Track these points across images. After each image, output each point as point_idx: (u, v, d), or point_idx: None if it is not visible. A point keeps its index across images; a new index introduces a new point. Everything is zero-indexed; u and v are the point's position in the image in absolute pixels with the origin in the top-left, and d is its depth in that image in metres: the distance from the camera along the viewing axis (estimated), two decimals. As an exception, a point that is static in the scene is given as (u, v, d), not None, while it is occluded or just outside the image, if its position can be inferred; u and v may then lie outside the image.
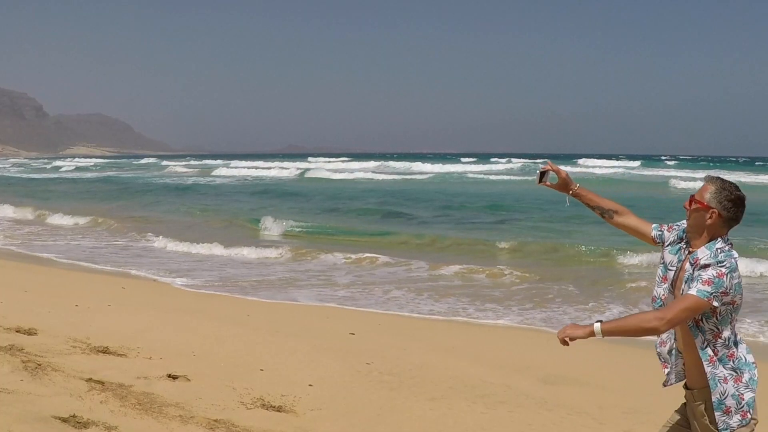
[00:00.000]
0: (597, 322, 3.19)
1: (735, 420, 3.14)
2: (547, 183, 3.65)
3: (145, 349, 7.21)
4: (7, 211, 26.63)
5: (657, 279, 3.33)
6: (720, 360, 3.13)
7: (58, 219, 24.30)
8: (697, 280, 3.05)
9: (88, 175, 65.25)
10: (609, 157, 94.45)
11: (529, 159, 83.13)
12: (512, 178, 50.92)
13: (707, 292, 3.01)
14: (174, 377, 6.33)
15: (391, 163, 73.08)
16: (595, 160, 74.17)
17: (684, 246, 3.27)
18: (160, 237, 19.10)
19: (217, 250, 17.21)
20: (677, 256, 3.28)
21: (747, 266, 14.21)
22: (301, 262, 15.88)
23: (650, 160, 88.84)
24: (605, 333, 3.15)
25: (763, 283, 13.49)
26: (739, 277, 3.10)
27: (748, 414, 3.15)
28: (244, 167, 68.45)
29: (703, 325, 3.12)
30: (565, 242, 17.94)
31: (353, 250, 16.98)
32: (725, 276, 3.03)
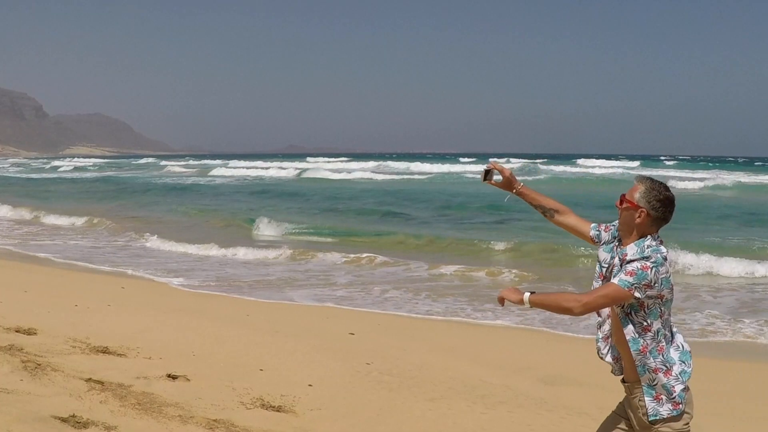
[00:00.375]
0: (529, 292, 3.26)
1: (665, 408, 3.21)
2: (492, 181, 3.76)
3: (145, 349, 7.21)
4: (5, 211, 26.63)
5: (594, 276, 3.42)
6: (650, 352, 3.20)
7: (55, 219, 24.30)
8: (622, 271, 3.15)
9: (87, 175, 65.31)
10: (608, 157, 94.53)
11: (529, 159, 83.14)
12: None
13: (628, 282, 3.09)
14: (174, 377, 6.33)
15: (390, 163, 73.10)
16: (594, 160, 74.24)
17: (617, 244, 3.36)
18: (155, 236, 19.10)
19: (215, 250, 17.20)
20: (611, 254, 3.37)
21: (746, 267, 14.21)
22: (300, 263, 15.88)
23: (649, 160, 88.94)
24: (532, 304, 3.24)
25: (763, 284, 13.47)
26: (668, 272, 3.16)
27: (680, 405, 3.20)
28: (242, 167, 68.55)
29: (633, 317, 3.20)
30: (564, 242, 17.92)
31: (352, 250, 16.98)
32: (650, 269, 3.10)
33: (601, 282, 3.34)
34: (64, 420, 4.89)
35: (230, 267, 15.23)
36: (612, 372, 3.45)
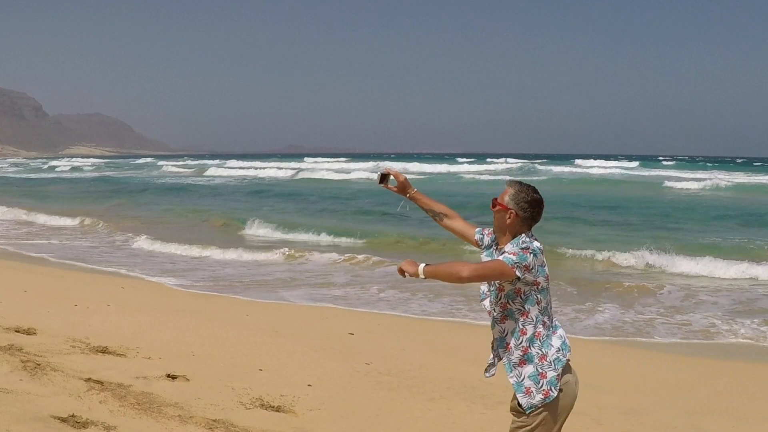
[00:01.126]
0: (424, 264, 3.42)
1: (537, 399, 3.39)
2: (388, 185, 3.95)
3: (145, 349, 7.21)
4: (1, 212, 26.56)
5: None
6: (528, 338, 3.42)
7: (49, 219, 24.26)
8: (505, 251, 3.40)
9: (83, 175, 65.23)
10: (607, 157, 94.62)
11: (527, 160, 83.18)
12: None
13: (512, 260, 3.32)
14: (173, 377, 6.33)
15: (388, 164, 73.04)
16: (593, 161, 74.31)
17: (495, 248, 3.59)
18: (143, 237, 19.03)
19: (212, 250, 17.16)
20: (491, 257, 3.58)
21: (745, 268, 14.19)
22: (298, 263, 15.88)
23: (648, 160, 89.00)
24: (426, 275, 3.39)
25: (763, 284, 13.47)
26: (543, 263, 3.41)
27: (551, 392, 3.38)
28: (239, 167, 68.65)
29: (511, 305, 3.43)
30: (562, 243, 17.95)
31: (347, 250, 16.98)
32: (528, 253, 3.35)
33: (487, 286, 3.55)
34: (63, 420, 4.89)
35: (230, 267, 15.23)
36: (493, 355, 3.62)
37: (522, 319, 3.41)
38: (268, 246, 18.14)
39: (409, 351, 8.27)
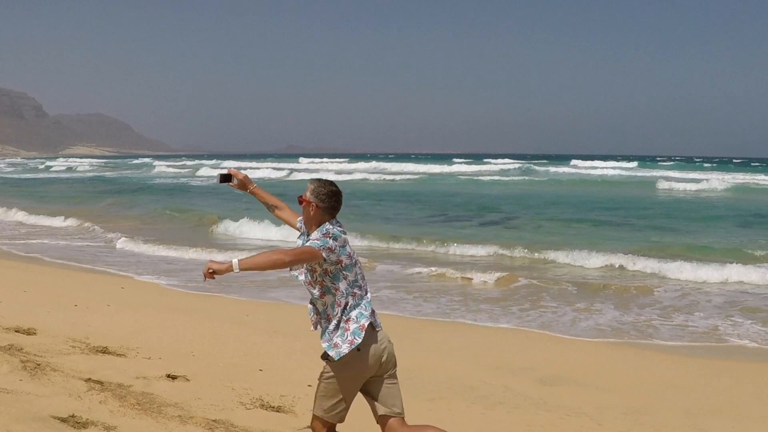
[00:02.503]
0: (236, 258, 3.76)
1: (344, 348, 3.93)
2: (231, 183, 4.44)
3: (145, 349, 7.22)
4: None
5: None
6: (341, 307, 3.94)
7: (38, 219, 24.20)
8: (311, 238, 3.93)
9: (77, 175, 65.09)
10: (606, 158, 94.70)
11: (525, 160, 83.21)
12: (513, 179, 51.02)
13: (318, 243, 3.85)
14: (173, 377, 6.34)
15: (383, 164, 72.94)
16: (592, 161, 74.37)
17: (306, 234, 4.10)
18: (122, 238, 18.93)
19: (206, 251, 17.11)
20: (303, 243, 4.09)
21: (744, 268, 14.14)
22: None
23: (646, 160, 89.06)
24: (242, 268, 3.74)
25: (762, 285, 13.47)
26: (344, 244, 3.94)
27: (355, 341, 3.92)
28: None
29: (326, 283, 3.94)
30: (562, 243, 17.96)
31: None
32: (329, 237, 3.89)
33: (302, 268, 4.03)
34: (63, 420, 4.89)
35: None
36: (312, 327, 4.13)
37: (335, 293, 3.93)
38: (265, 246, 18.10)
39: (409, 351, 8.25)
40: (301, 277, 4.04)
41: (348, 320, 3.94)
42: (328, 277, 3.92)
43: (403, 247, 18.05)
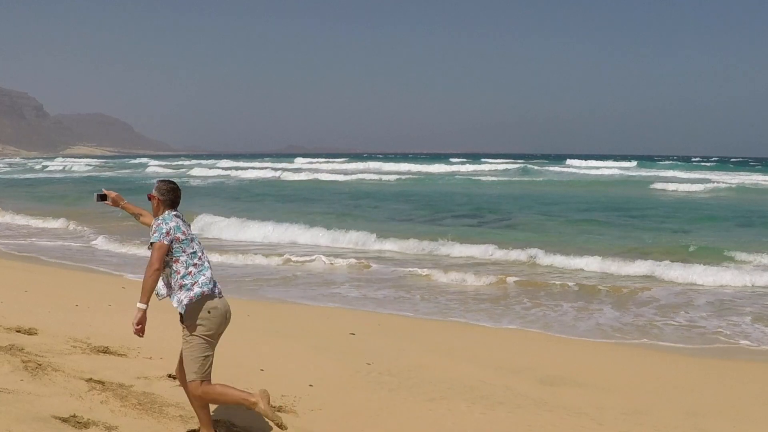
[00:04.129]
0: (138, 304, 4.69)
1: (186, 301, 4.74)
2: (106, 201, 5.29)
3: (146, 349, 7.22)
4: None
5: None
6: (182, 276, 4.77)
7: (23, 220, 24.07)
8: (152, 235, 4.78)
9: (74, 175, 64.95)
10: (604, 157, 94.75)
11: (523, 160, 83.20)
12: (511, 179, 51.03)
13: (157, 237, 4.73)
14: (174, 377, 6.33)
15: (382, 164, 72.82)
16: (590, 162, 74.32)
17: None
18: (101, 237, 18.89)
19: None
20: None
21: (744, 274, 14.05)
22: (296, 263, 15.88)
23: (645, 160, 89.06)
24: (145, 302, 4.71)
25: (761, 286, 13.45)
26: (177, 224, 4.78)
27: (193, 297, 4.73)
28: (224, 167, 68.98)
29: (169, 258, 4.77)
30: (560, 243, 17.96)
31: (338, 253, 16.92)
32: (162, 224, 4.77)
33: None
34: (64, 420, 4.90)
35: (228, 268, 15.24)
36: (159, 295, 4.93)
37: (176, 265, 4.76)
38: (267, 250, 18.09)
39: (410, 351, 8.28)
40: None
41: (194, 285, 4.75)
42: (170, 254, 4.76)
43: (402, 247, 18.02)
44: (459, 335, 9.64)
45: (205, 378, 4.81)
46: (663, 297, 12.32)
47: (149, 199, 4.93)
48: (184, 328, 4.82)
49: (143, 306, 4.66)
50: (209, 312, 4.76)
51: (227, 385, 4.96)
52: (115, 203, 5.24)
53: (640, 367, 8.33)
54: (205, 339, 4.77)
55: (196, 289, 4.74)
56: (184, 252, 4.79)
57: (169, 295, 4.84)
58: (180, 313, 4.80)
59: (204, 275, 4.79)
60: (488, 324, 10.46)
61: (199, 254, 4.84)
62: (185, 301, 4.72)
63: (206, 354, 4.78)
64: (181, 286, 4.76)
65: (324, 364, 7.26)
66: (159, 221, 4.79)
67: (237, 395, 4.86)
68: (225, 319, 4.86)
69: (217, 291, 4.83)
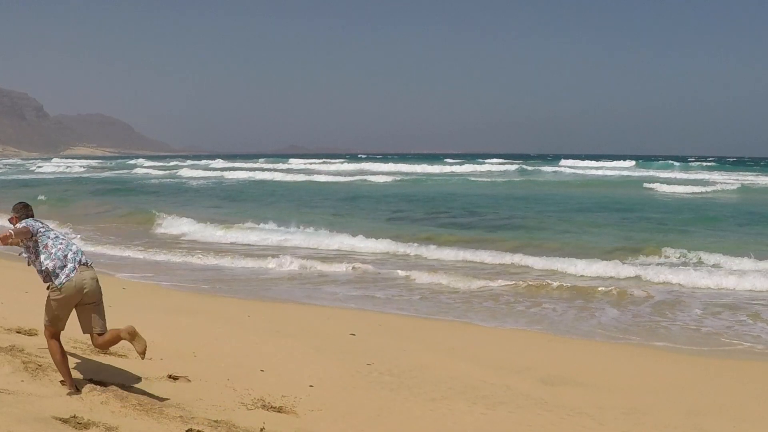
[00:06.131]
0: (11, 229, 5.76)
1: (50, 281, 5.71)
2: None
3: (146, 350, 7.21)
4: None
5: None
6: (44, 267, 5.69)
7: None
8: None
9: (70, 176, 64.82)
10: (602, 158, 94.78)
11: (521, 160, 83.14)
12: (509, 179, 51.02)
13: (20, 226, 5.74)
14: (174, 378, 6.34)
15: (380, 165, 72.67)
16: (588, 162, 74.23)
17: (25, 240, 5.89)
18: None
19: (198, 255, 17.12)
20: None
21: (743, 275, 14.01)
22: (296, 263, 15.86)
23: (643, 160, 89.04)
24: (13, 231, 5.72)
25: (760, 286, 13.44)
26: (34, 223, 5.79)
27: (57, 281, 5.67)
28: (215, 168, 69.11)
29: (32, 253, 5.75)
30: (559, 243, 17.97)
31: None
32: (23, 224, 5.77)
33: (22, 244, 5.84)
34: (65, 421, 4.90)
35: (228, 268, 15.23)
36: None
37: (37, 260, 5.72)
38: (267, 252, 18.08)
39: (410, 351, 8.28)
40: (25, 255, 5.81)
41: (63, 267, 5.69)
42: (34, 247, 5.73)
43: (401, 247, 18.00)
44: (459, 335, 9.64)
45: (55, 328, 5.80)
46: (662, 297, 12.31)
47: (10, 221, 6.00)
48: (49, 291, 5.80)
49: (11, 232, 5.66)
50: (60, 290, 5.74)
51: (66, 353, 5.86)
52: (5, 242, 5.78)
53: (640, 367, 8.33)
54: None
55: (60, 279, 5.74)
56: (45, 247, 5.79)
57: (43, 277, 5.86)
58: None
59: (62, 263, 5.76)
60: (489, 324, 10.46)
61: (59, 246, 5.81)
62: (55, 283, 5.78)
63: (55, 314, 5.76)
64: (45, 271, 5.77)
65: (324, 364, 7.26)
66: (18, 225, 5.82)
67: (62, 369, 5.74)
68: (79, 293, 5.75)
69: (72, 275, 5.76)
